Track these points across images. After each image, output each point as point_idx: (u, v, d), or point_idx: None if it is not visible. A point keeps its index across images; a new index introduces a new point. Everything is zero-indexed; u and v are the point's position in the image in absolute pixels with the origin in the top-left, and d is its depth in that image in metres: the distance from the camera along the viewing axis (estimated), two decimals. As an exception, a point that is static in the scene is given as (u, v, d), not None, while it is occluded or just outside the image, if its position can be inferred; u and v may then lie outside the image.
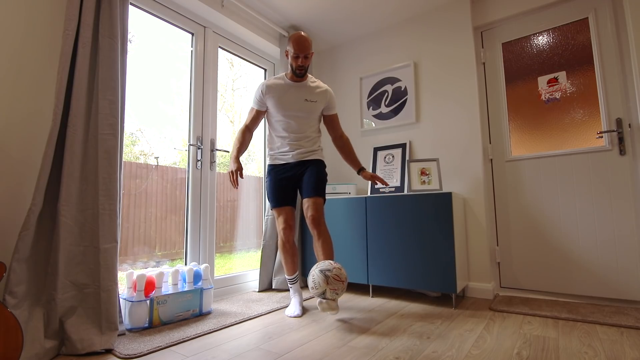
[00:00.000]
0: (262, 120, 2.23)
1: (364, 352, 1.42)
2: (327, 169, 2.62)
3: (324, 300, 1.76)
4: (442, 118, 2.60)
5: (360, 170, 2.17)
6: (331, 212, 2.57)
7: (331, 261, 1.80)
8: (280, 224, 2.03)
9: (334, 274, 1.73)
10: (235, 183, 1.85)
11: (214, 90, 2.50)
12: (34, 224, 1.40)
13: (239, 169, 1.88)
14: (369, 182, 2.79)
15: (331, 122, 2.17)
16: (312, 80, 2.10)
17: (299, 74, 1.99)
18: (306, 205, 1.96)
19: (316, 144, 2.12)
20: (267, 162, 2.15)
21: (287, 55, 2.00)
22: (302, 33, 1.96)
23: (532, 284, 2.30)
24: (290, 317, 1.93)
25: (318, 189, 1.98)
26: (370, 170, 2.83)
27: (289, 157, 2.06)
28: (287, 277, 2.10)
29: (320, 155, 2.13)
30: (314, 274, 1.76)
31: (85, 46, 1.58)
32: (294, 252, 2.07)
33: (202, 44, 2.45)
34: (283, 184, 2.05)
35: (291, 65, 1.98)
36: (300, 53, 1.93)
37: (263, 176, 2.96)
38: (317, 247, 1.93)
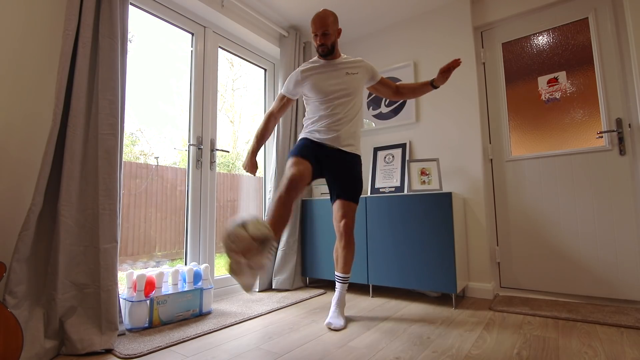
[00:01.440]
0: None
1: (364, 352, 1.42)
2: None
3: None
4: (442, 118, 2.60)
5: (432, 82, 1.90)
6: (331, 212, 2.57)
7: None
8: (293, 167, 1.64)
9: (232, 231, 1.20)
10: (252, 172, 1.88)
11: (214, 90, 2.50)
12: (34, 224, 1.40)
13: (253, 166, 1.87)
14: (369, 182, 2.79)
15: (384, 85, 1.98)
16: (345, 57, 1.93)
17: (321, 53, 1.84)
18: (342, 210, 1.81)
19: (357, 132, 1.91)
20: (300, 136, 1.93)
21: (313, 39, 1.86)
22: (324, 9, 1.80)
23: (532, 284, 2.30)
24: (325, 324, 1.68)
25: (356, 195, 1.85)
26: (370, 171, 2.82)
27: (324, 139, 1.82)
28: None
29: (359, 149, 1.94)
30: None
31: (85, 46, 1.58)
32: (288, 210, 1.56)
33: (202, 44, 2.45)
34: (314, 150, 1.80)
35: (315, 47, 1.85)
36: (318, 31, 1.77)
37: (263, 176, 2.96)
38: (338, 254, 1.86)
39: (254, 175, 1.90)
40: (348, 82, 1.85)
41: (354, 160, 1.89)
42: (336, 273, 1.88)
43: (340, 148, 1.83)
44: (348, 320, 1.86)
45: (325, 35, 1.79)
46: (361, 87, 1.92)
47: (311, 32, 1.82)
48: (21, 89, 1.54)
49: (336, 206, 1.84)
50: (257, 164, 1.88)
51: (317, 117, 1.86)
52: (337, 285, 1.88)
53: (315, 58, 1.93)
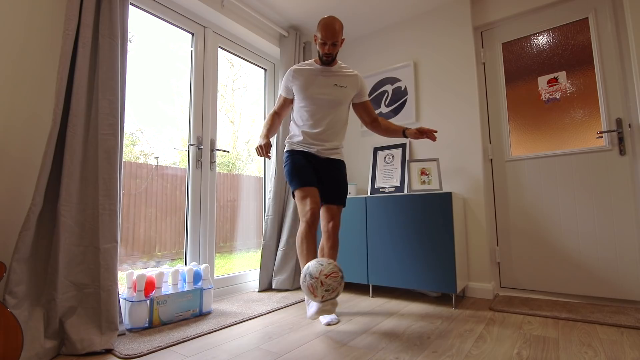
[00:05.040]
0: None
1: (364, 352, 1.42)
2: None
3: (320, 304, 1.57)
4: (442, 118, 2.60)
5: (404, 131, 1.99)
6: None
7: (321, 260, 1.59)
8: (307, 205, 1.76)
9: (327, 271, 1.52)
10: (265, 154, 1.80)
11: (214, 90, 2.50)
12: (34, 224, 1.40)
13: (268, 144, 1.81)
14: (369, 182, 2.79)
15: (365, 109, 2.06)
16: (341, 65, 1.99)
17: (325, 61, 1.89)
18: (330, 213, 1.87)
19: (341, 139, 2.00)
20: (287, 149, 1.99)
21: (315, 41, 1.88)
22: (333, 17, 1.82)
23: (532, 284, 2.30)
24: (324, 324, 1.76)
25: (343, 197, 1.91)
26: (370, 171, 2.82)
27: (314, 150, 1.92)
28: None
29: (343, 154, 2.05)
30: (306, 276, 1.56)
31: (85, 46, 1.58)
32: (314, 242, 1.82)
33: (202, 44, 2.45)
34: (311, 165, 1.90)
35: (318, 52, 1.89)
36: (328, 40, 1.81)
37: (263, 176, 2.96)
38: (324, 253, 1.87)
39: (269, 158, 1.86)
40: (334, 94, 1.91)
41: (339, 166, 1.99)
42: None
43: (327, 157, 1.95)
44: (348, 319, 1.86)
45: (335, 46, 1.86)
46: (347, 100, 1.97)
47: (319, 38, 1.84)
48: (22, 89, 1.54)
49: (324, 209, 1.90)
50: (270, 145, 1.85)
51: (302, 124, 1.95)
52: None
53: (312, 61, 1.99)
